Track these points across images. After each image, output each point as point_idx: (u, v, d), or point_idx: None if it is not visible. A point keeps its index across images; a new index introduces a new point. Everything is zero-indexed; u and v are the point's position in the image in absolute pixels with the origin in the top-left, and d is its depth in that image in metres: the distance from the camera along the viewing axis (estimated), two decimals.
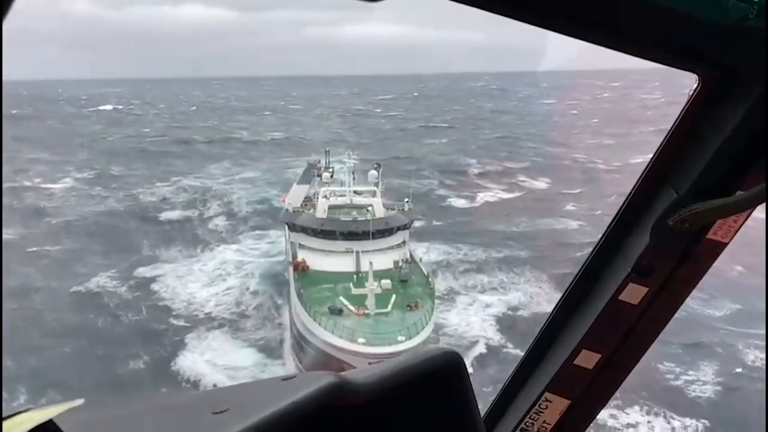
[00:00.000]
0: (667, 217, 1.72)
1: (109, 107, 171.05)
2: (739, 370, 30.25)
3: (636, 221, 1.90)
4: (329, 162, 54.76)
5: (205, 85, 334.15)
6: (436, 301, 33.10)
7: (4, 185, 61.77)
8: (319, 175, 46.09)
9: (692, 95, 1.63)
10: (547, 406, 2.18)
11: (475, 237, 49.53)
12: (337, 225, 36.88)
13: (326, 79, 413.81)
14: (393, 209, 39.87)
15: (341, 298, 31.35)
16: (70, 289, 39.88)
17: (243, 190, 66.02)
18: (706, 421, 26.42)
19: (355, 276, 33.79)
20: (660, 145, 1.78)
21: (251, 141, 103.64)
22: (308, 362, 29.33)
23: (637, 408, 26.55)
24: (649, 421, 26.33)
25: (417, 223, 42.59)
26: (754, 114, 1.52)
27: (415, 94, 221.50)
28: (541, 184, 68.76)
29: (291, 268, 36.06)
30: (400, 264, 34.64)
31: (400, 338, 26.80)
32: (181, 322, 35.72)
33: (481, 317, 36.09)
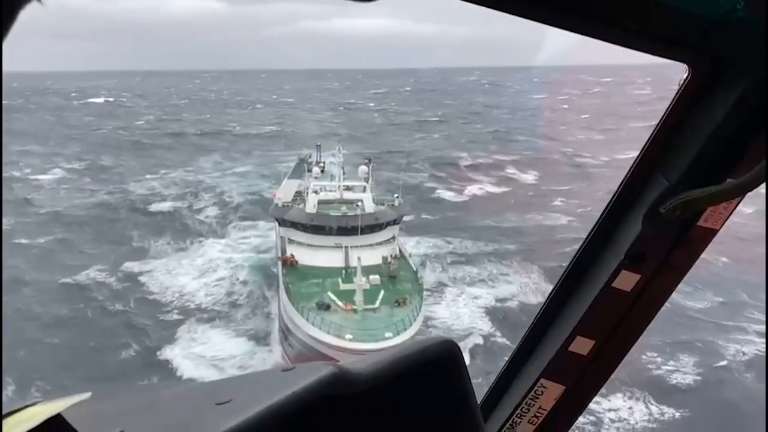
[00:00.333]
0: (659, 205, 1.76)
1: (99, 100, 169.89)
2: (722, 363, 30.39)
3: (628, 209, 1.93)
4: (320, 157, 54.76)
5: (196, 77, 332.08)
6: (425, 293, 33.19)
7: None
8: (309, 170, 46.03)
9: (682, 85, 1.66)
10: (542, 392, 2.22)
11: (464, 230, 49.82)
12: (327, 220, 36.67)
13: (318, 72, 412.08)
14: (383, 204, 39.76)
15: (329, 293, 31.25)
16: (59, 280, 39.75)
17: (234, 183, 65.94)
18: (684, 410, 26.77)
19: (343, 271, 33.70)
20: (651, 134, 1.81)
21: (243, 134, 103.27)
22: (295, 357, 29.35)
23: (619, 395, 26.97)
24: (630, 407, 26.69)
25: (406, 217, 42.63)
26: (744, 103, 1.55)
27: (408, 88, 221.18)
28: (529, 177, 69.27)
29: (279, 263, 36.04)
30: (389, 260, 34.55)
31: (387, 334, 26.71)
32: (174, 315, 35.83)
33: (460, 308, 36.50)
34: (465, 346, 30.20)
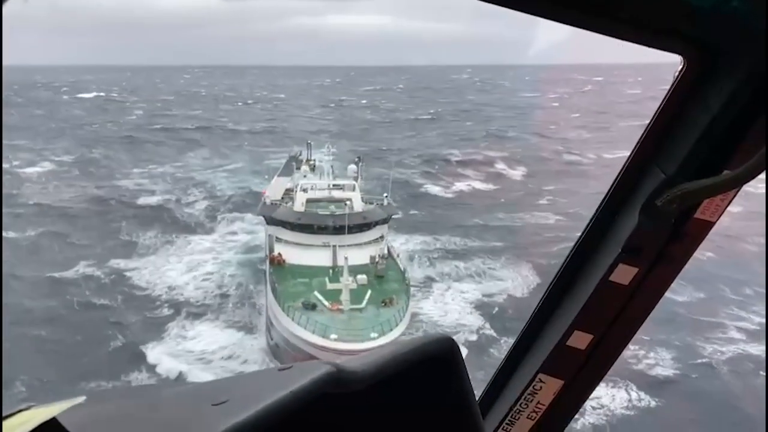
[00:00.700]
0: (656, 197, 1.74)
1: (89, 95, 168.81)
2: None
3: (625, 202, 1.93)
4: (311, 154, 54.64)
5: (187, 72, 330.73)
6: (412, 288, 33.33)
7: None
8: (299, 168, 45.91)
9: (677, 77, 1.65)
10: (540, 387, 2.22)
11: (453, 225, 50.15)
12: (315, 219, 36.54)
13: (310, 69, 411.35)
14: (371, 203, 39.66)
15: (316, 293, 31.20)
16: (46, 274, 39.52)
17: (225, 179, 65.91)
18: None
19: (331, 270, 33.64)
20: (647, 127, 1.80)
21: (233, 130, 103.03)
22: (281, 357, 29.30)
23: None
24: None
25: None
26: (739, 94, 1.55)
27: (401, 86, 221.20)
28: (517, 174, 70.09)
29: (267, 262, 35.90)
30: (377, 259, 34.52)
31: (372, 335, 26.74)
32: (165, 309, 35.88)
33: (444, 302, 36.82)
34: None
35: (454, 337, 1.42)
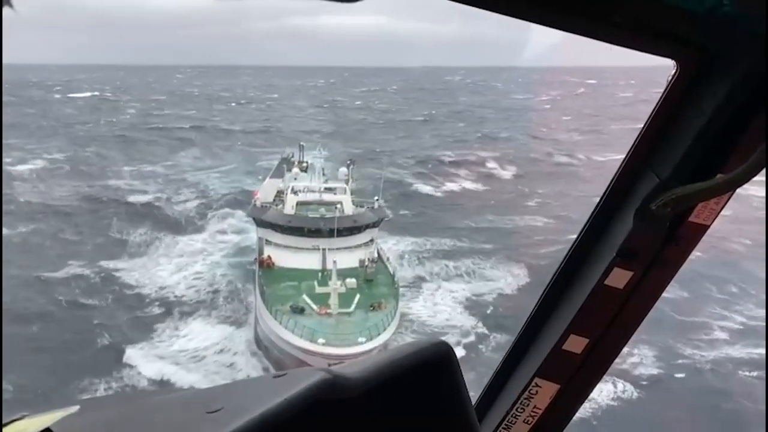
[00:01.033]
0: (650, 201, 1.75)
1: (82, 94, 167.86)
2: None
3: (619, 206, 1.93)
4: (303, 156, 54.43)
5: (180, 72, 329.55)
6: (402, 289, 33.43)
7: None
8: (289, 170, 45.74)
9: (671, 81, 1.65)
10: (537, 392, 2.22)
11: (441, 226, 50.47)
12: (305, 222, 36.41)
13: (304, 69, 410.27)
14: (362, 206, 39.52)
15: (304, 296, 31.13)
16: (33, 273, 39.30)
17: (218, 179, 65.72)
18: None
19: (320, 274, 33.52)
20: (641, 131, 1.80)
21: (226, 130, 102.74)
22: (270, 361, 29.23)
23: None
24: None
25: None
26: (732, 98, 1.55)
27: (394, 87, 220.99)
28: (507, 174, 70.92)
29: (256, 265, 35.80)
30: (366, 263, 34.44)
31: (360, 339, 26.69)
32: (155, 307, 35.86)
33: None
34: None
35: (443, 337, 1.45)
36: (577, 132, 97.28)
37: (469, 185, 66.04)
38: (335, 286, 29.62)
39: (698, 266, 34.56)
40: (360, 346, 26.04)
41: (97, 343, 31.72)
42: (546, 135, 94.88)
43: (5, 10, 0.69)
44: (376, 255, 36.30)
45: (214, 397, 1.34)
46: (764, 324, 31.58)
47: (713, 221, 1.82)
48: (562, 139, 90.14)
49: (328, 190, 40.62)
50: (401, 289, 34.23)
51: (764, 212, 42.50)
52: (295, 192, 39.46)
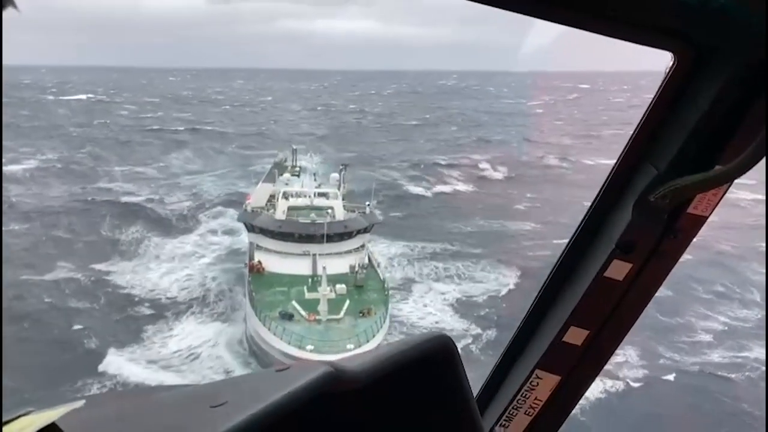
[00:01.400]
0: (648, 193, 1.76)
1: (76, 96, 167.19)
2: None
3: (618, 199, 1.93)
4: (296, 160, 54.42)
5: (173, 74, 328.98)
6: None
7: None
8: (281, 174, 45.69)
9: (668, 73, 1.66)
10: (537, 384, 2.22)
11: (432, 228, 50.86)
12: (295, 227, 36.14)
13: (298, 72, 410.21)
14: (353, 211, 39.37)
15: (294, 302, 30.96)
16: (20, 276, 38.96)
17: (211, 182, 65.73)
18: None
19: (310, 279, 33.32)
20: (639, 123, 1.81)
21: (220, 133, 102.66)
22: (260, 367, 29.10)
23: None
24: None
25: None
26: (729, 89, 1.56)
27: (389, 90, 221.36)
28: (498, 174, 72.08)
29: (246, 270, 35.65)
30: (357, 268, 34.26)
31: (349, 346, 26.59)
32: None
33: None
34: None
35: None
36: (569, 136, 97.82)
37: (461, 187, 66.68)
38: (325, 292, 29.51)
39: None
40: (349, 353, 25.82)
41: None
42: (539, 138, 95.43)
43: (8, 10, 0.68)
44: (366, 261, 36.06)
45: (218, 392, 1.34)
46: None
47: (712, 212, 1.82)
48: (553, 143, 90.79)
49: (320, 195, 40.49)
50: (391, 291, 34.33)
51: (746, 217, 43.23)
52: (286, 197, 39.35)
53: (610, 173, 1.94)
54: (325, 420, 1.29)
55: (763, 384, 27.11)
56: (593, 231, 2.04)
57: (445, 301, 37.24)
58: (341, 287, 31.86)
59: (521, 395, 2.26)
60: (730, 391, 28.15)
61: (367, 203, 40.74)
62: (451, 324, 34.17)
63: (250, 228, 37.25)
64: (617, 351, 2.24)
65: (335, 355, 25.30)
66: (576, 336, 2.11)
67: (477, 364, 25.10)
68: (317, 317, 29.17)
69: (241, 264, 39.39)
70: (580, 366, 2.18)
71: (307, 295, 31.43)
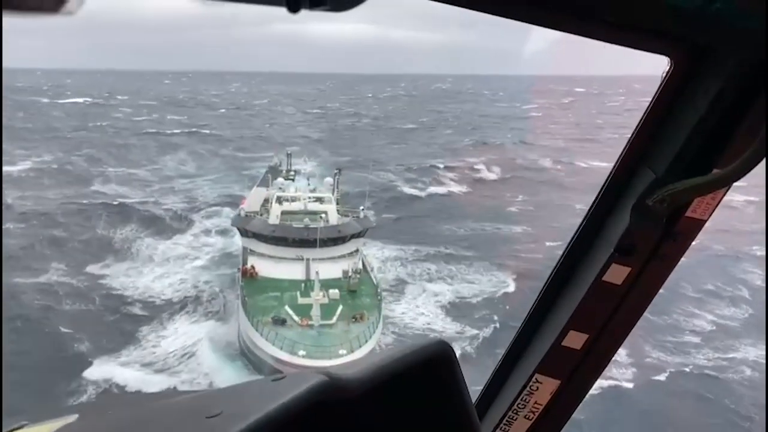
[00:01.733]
0: (646, 197, 1.76)
1: (72, 100, 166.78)
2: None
3: (616, 202, 1.93)
4: (291, 165, 54.31)
5: (167, 77, 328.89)
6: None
7: None
8: (276, 178, 45.61)
9: (665, 77, 1.66)
10: (537, 388, 2.22)
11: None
12: (289, 231, 36.13)
13: (293, 76, 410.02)
14: (347, 216, 39.32)
15: (286, 307, 30.88)
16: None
17: (208, 186, 65.69)
18: None
19: (303, 284, 33.21)
20: (636, 127, 1.81)
21: (216, 136, 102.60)
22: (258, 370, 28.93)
23: None
24: None
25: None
26: (725, 92, 1.56)
27: (385, 94, 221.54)
28: (492, 175, 72.97)
29: (239, 275, 35.56)
30: (350, 273, 34.19)
31: (341, 351, 26.51)
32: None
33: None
34: None
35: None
36: (564, 139, 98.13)
37: (455, 189, 67.20)
38: (318, 297, 29.41)
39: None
40: (341, 358, 25.84)
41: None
42: (533, 140, 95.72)
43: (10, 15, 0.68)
44: (360, 265, 35.88)
45: (213, 402, 1.33)
46: None
47: (710, 216, 1.83)
48: (549, 146, 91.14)
49: (314, 199, 40.43)
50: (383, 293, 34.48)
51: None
52: (280, 201, 39.29)
53: (608, 177, 1.94)
54: (322, 429, 1.27)
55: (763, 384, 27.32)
56: (592, 235, 2.04)
57: (437, 303, 37.41)
58: (334, 292, 31.77)
59: (521, 399, 2.26)
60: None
61: (362, 207, 40.70)
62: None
63: (244, 233, 37.20)
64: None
65: (328, 361, 25.39)
66: (575, 340, 2.11)
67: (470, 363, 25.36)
68: (310, 322, 29.06)
69: (235, 268, 39.37)
70: (580, 370, 2.19)
71: (300, 300, 31.36)
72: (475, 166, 75.09)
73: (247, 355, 30.13)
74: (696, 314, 35.69)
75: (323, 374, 1.22)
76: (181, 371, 29.45)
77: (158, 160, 78.37)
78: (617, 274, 1.95)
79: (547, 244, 41.78)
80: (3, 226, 46.46)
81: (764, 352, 29.57)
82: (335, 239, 36.16)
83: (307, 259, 34.99)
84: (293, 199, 40.02)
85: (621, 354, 30.08)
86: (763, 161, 1.50)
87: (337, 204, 40.88)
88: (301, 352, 26.62)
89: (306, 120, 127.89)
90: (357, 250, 37.24)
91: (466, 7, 1.34)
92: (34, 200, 56.05)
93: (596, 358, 2.17)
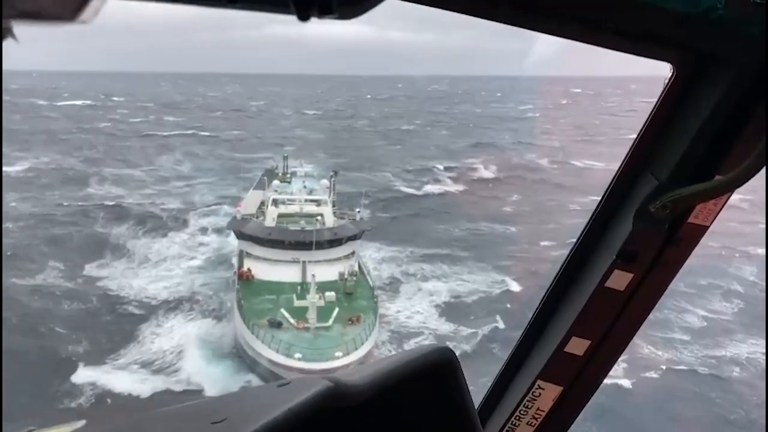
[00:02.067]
0: (649, 203, 1.76)
1: (68, 102, 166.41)
2: None
3: (619, 209, 1.93)
4: (287, 167, 54.20)
5: (163, 80, 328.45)
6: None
7: None
8: (272, 181, 45.54)
9: (668, 84, 1.66)
10: (540, 394, 2.23)
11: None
12: (285, 234, 36.11)
13: (290, 77, 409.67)
14: (343, 218, 39.33)
15: (282, 310, 30.90)
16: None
17: (206, 189, 65.71)
18: None
19: (299, 287, 33.27)
20: (639, 133, 1.81)
21: (213, 138, 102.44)
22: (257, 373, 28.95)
23: None
24: None
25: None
26: (728, 99, 1.57)
27: (382, 95, 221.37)
28: (489, 174, 73.37)
29: (235, 278, 35.59)
30: (346, 276, 34.23)
31: (337, 354, 26.53)
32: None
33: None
34: None
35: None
36: (559, 140, 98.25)
37: (451, 188, 67.50)
38: (314, 299, 29.45)
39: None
40: (337, 360, 25.90)
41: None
42: (530, 141, 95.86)
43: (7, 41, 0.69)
44: (356, 268, 35.96)
45: (218, 408, 1.34)
46: None
47: (712, 222, 1.83)
48: (546, 146, 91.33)
49: (310, 201, 40.44)
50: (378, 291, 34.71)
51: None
52: (276, 204, 39.28)
53: (610, 183, 1.95)
54: None
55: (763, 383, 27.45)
56: (594, 241, 2.05)
57: (432, 302, 37.62)
58: (330, 295, 31.80)
59: (523, 406, 2.27)
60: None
61: (357, 210, 40.71)
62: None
63: (240, 235, 37.14)
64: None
65: (324, 363, 25.43)
66: (578, 346, 2.12)
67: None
68: (306, 325, 29.10)
69: (231, 271, 39.36)
70: (583, 376, 2.20)
71: (296, 303, 31.37)
72: (474, 167, 75.44)
73: (243, 358, 30.14)
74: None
75: (328, 380, 1.23)
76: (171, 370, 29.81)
77: (155, 161, 78.43)
78: (620, 281, 1.96)
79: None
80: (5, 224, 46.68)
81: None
82: (331, 242, 36.13)
83: (304, 262, 35.00)
84: (289, 202, 40.01)
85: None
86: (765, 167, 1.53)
87: (334, 206, 40.89)
88: (298, 355, 26.61)
89: (303, 122, 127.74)
90: (353, 253, 37.25)
91: (468, 14, 1.37)
92: (33, 201, 56.07)
93: (599, 365, 2.18)
